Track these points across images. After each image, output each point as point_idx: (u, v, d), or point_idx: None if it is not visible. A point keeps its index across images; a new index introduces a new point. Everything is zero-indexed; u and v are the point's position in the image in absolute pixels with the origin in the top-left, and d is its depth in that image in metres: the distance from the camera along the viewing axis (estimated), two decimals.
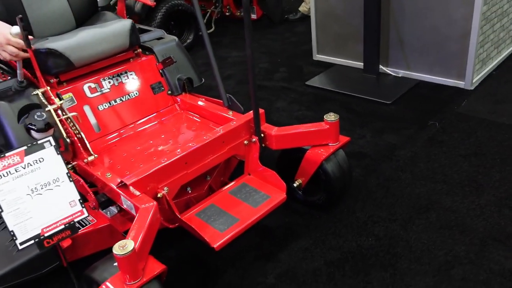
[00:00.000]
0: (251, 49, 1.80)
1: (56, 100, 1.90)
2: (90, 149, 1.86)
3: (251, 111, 2.03)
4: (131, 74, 2.31)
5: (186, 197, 1.99)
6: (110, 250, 1.89)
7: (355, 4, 3.48)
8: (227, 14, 5.34)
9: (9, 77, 2.15)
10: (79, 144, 1.87)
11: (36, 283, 1.82)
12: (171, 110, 2.39)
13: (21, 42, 1.82)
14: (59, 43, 2.03)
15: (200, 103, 2.33)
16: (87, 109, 2.15)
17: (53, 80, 2.09)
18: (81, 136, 1.85)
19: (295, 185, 2.10)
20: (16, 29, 1.81)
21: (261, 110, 2.01)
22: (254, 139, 2.00)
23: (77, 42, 2.07)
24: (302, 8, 5.17)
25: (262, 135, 2.01)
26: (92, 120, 2.16)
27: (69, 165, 1.93)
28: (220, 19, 5.31)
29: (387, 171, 2.41)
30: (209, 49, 2.15)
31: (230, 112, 2.17)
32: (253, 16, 5.31)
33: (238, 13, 5.37)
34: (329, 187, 2.05)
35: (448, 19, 3.05)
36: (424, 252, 1.89)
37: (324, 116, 1.97)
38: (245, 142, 2.01)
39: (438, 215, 2.07)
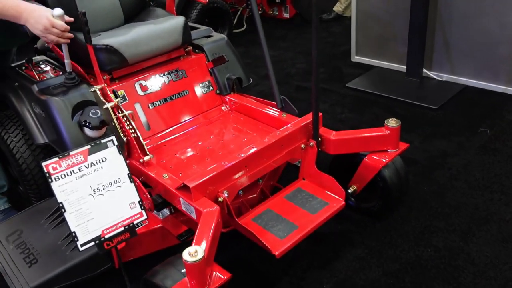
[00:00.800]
0: (317, 50, 1.73)
1: (113, 97, 1.85)
2: (146, 148, 1.82)
3: (308, 114, 1.97)
4: (181, 72, 2.26)
5: (238, 200, 1.94)
6: (160, 252, 1.87)
7: (399, 5, 3.39)
8: (259, 12, 5.27)
9: (61, 73, 2.12)
10: (134, 143, 1.82)
11: (88, 285, 1.79)
12: (220, 109, 2.34)
13: (65, 24, 1.79)
14: (114, 39, 2.00)
15: (249, 103, 2.27)
16: (137, 107, 2.11)
17: (106, 77, 2.05)
18: (137, 135, 1.81)
19: (349, 191, 2.03)
20: (58, 11, 1.77)
21: (319, 114, 1.95)
22: (311, 143, 1.94)
23: (132, 39, 2.03)
24: (337, 8, 5.09)
25: (320, 139, 1.94)
26: (143, 118, 2.12)
27: None
28: (251, 17, 5.25)
29: (440, 179, 2.33)
30: (265, 49, 2.09)
31: (284, 114, 2.11)
32: (286, 15, 5.24)
33: (271, 12, 5.31)
34: (386, 194, 1.98)
35: (500, 21, 2.94)
36: (488, 265, 1.81)
37: (385, 121, 1.89)
38: (302, 146, 1.95)
39: (499, 227, 1.99)
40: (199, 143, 2.10)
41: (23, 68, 2.22)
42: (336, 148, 1.95)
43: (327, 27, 4.91)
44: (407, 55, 3.35)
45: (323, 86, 3.51)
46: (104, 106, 1.78)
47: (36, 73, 2.14)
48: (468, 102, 3.04)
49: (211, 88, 2.34)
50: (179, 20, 2.19)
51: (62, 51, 1.96)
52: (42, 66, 2.23)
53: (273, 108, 2.19)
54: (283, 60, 4.12)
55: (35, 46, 2.62)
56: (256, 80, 3.63)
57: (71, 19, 1.83)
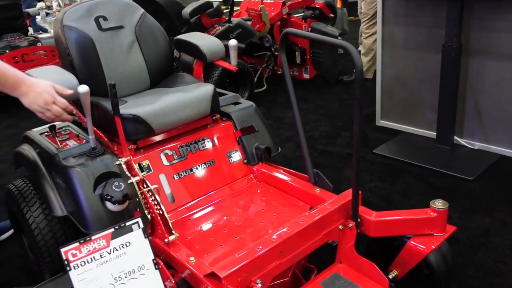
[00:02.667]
0: (359, 127, 1.62)
1: (138, 169, 1.74)
2: (171, 227, 1.68)
3: (346, 192, 1.83)
4: (208, 141, 2.16)
5: (269, 284, 1.76)
6: None
7: (427, 70, 3.33)
8: (279, 72, 5.28)
9: (84, 141, 2.03)
10: (159, 220, 1.69)
11: None
12: (247, 180, 2.21)
13: (66, 102, 1.65)
14: (142, 109, 1.91)
15: (279, 175, 2.14)
16: (162, 178, 2.00)
17: (130, 147, 1.95)
18: (163, 211, 1.68)
19: (390, 276, 1.85)
20: (84, 88, 1.70)
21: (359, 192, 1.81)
22: (350, 225, 1.79)
23: (160, 108, 1.95)
24: None
25: (359, 219, 1.79)
26: (167, 190, 2.00)
27: None
28: (271, 77, 5.25)
29: (486, 262, 2.13)
30: (297, 118, 1.99)
31: (318, 189, 1.97)
32: (306, 76, 5.23)
33: (291, 72, 5.31)
34: (432, 282, 1.79)
35: None
36: None
37: (431, 203, 1.74)
38: (340, 227, 1.80)
39: None
40: (226, 217, 1.96)
41: (45, 133, 2.14)
42: (377, 230, 1.79)
43: (348, 89, 4.87)
44: (437, 122, 3.24)
45: (349, 151, 3.39)
46: (129, 181, 1.67)
47: (59, 140, 2.05)
48: (506, 174, 2.88)
49: (238, 157, 2.23)
50: (208, 88, 2.12)
51: (85, 117, 1.88)
52: (65, 132, 2.15)
53: (305, 182, 2.05)
54: (305, 122, 4.04)
55: None
56: (278, 143, 3.53)
57: (70, 91, 1.70)
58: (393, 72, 3.59)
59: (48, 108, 1.61)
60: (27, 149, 2.11)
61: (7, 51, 4.73)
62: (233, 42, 2.16)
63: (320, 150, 3.47)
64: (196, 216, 1.98)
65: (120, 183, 1.78)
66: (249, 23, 4.67)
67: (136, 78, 2.28)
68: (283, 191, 2.11)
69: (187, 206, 2.02)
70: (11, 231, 2.69)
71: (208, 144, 2.16)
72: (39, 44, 4.98)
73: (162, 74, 2.38)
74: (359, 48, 6.24)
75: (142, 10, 2.34)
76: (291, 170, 2.18)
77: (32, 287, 1.97)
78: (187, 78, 2.31)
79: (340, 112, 4.22)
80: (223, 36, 4.39)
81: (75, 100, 1.85)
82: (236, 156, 2.22)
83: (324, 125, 3.95)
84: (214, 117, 2.22)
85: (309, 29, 4.94)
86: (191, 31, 4.54)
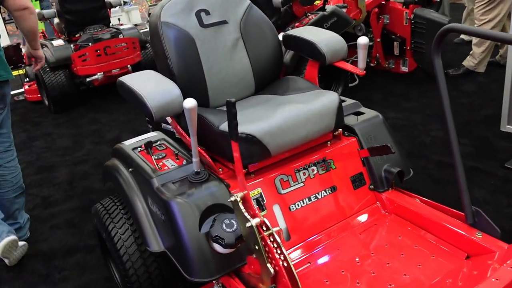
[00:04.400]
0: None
1: (256, 205, 1.39)
2: (299, 283, 1.31)
3: None
4: (329, 163, 1.76)
5: None
6: None
7: None
8: (372, 65, 4.75)
9: (184, 161, 1.71)
10: (283, 272, 1.32)
11: None
12: (374, 211, 1.80)
13: None
14: (257, 127, 1.55)
15: (418, 208, 1.71)
16: (277, 210, 1.63)
17: None
18: (288, 263, 1.30)
19: None
20: (191, 102, 1.36)
21: None
22: None
23: (277, 125, 1.57)
24: (468, 62, 4.42)
25: None
26: (282, 224, 1.63)
27: None
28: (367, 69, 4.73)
29: None
30: (453, 135, 1.54)
31: (479, 234, 1.51)
32: (404, 69, 4.66)
33: (387, 65, 4.76)
34: None
35: None
36: None
37: None
38: None
39: None
40: (355, 261, 1.56)
41: (139, 149, 1.85)
42: None
43: (456, 84, 4.25)
44: None
45: (473, 164, 2.85)
46: (248, 224, 1.31)
47: (155, 159, 1.75)
48: None
49: (363, 182, 1.81)
50: (332, 97, 1.71)
51: (187, 134, 1.56)
52: (160, 148, 1.84)
53: (457, 220, 1.60)
54: (412, 125, 3.52)
55: (147, 119, 2.28)
56: None
57: None
58: None
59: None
60: (118, 167, 1.83)
61: (90, 43, 4.59)
62: (363, 40, 1.73)
63: (435, 161, 2.96)
64: (317, 257, 1.60)
65: (232, 220, 1.43)
66: (344, 10, 4.18)
67: (240, 82, 1.93)
68: (423, 228, 1.67)
69: (305, 243, 1.65)
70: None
71: (329, 166, 1.76)
72: (120, 36, 4.80)
73: (269, 78, 2.01)
74: (462, 37, 5.56)
75: (248, 1, 1.97)
76: (433, 202, 1.73)
77: None
78: (300, 83, 1.91)
79: (452, 112, 3.64)
80: (317, 26, 3.94)
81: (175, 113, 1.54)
82: (361, 181, 1.81)
83: (435, 129, 3.40)
84: (336, 132, 1.81)
85: (411, 16, 4.36)
86: (282, 21, 4.16)
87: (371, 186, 1.82)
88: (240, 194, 1.34)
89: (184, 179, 1.59)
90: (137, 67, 4.97)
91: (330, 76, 4.04)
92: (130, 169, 1.76)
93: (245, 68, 1.93)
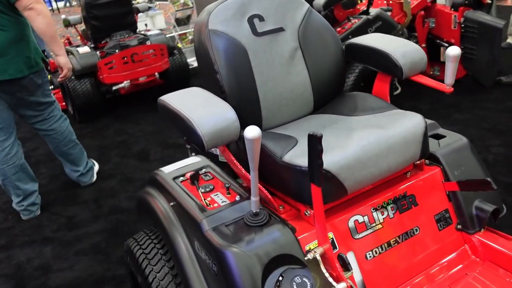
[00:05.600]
0: None
1: (339, 264, 1.09)
2: None
3: None
4: (410, 199, 1.46)
5: None
6: None
7: None
8: None
9: (237, 196, 1.42)
10: None
11: None
12: (463, 256, 1.49)
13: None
14: (330, 159, 1.25)
15: None
16: (351, 258, 1.34)
17: (309, 213, 1.31)
18: None
19: None
20: (254, 132, 1.07)
21: None
22: None
23: (355, 157, 1.28)
24: None
25: None
26: (357, 276, 1.33)
27: None
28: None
29: None
30: None
31: None
32: None
33: (431, 72, 4.41)
34: None
35: None
36: None
37: None
38: None
39: None
40: None
41: (181, 179, 1.58)
42: None
43: (511, 93, 3.89)
44: None
45: None
46: None
47: (202, 192, 1.47)
48: None
49: (449, 221, 1.50)
50: (417, 120, 1.41)
51: (243, 166, 1.29)
52: (206, 178, 1.57)
53: None
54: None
55: (188, 146, 2.01)
56: None
57: None
58: None
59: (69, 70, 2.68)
60: (157, 199, 1.57)
61: (117, 50, 4.38)
62: (454, 51, 1.42)
63: (504, 184, 2.62)
64: None
65: (304, 279, 1.14)
66: (388, 14, 3.87)
67: (297, 99, 1.64)
68: None
69: None
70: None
71: (411, 203, 1.46)
72: (148, 42, 4.58)
73: (330, 94, 1.72)
74: (509, 41, 5.19)
75: (307, 5, 1.68)
76: None
77: None
78: (371, 101, 1.62)
79: (511, 126, 3.29)
80: (361, 31, 3.64)
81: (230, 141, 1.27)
82: (447, 220, 1.50)
83: (496, 145, 3.06)
84: (418, 161, 1.51)
85: (461, 19, 4.01)
86: None
87: (459, 226, 1.51)
88: (319, 250, 1.05)
89: (239, 221, 1.31)
90: (164, 75, 4.74)
91: (369, 83, 3.72)
92: (172, 204, 1.49)
93: (304, 82, 1.64)
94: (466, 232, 1.50)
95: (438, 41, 4.18)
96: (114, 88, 4.49)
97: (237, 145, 1.49)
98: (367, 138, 1.32)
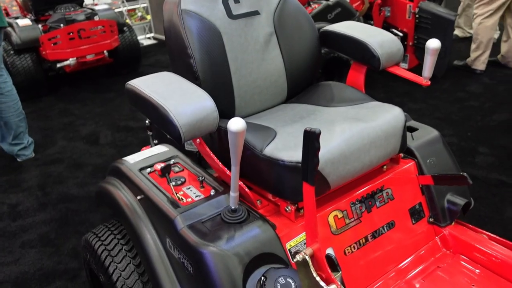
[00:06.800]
0: None
1: (328, 264, 1.05)
2: None
3: None
4: (386, 193, 1.44)
5: None
6: None
7: None
8: None
9: (212, 190, 1.34)
10: None
11: None
12: (434, 249, 1.50)
13: None
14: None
15: (488, 247, 1.42)
16: (330, 253, 1.30)
17: (290, 209, 1.25)
18: None
19: None
20: (239, 124, 1.00)
21: None
22: None
23: (340, 151, 1.23)
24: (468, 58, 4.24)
25: None
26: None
27: None
28: None
29: None
30: None
31: None
32: (404, 66, 4.39)
33: None
34: None
35: None
36: None
37: None
38: None
39: None
40: None
41: (148, 170, 1.47)
42: None
43: (462, 85, 4.03)
44: None
45: (500, 177, 2.61)
46: None
47: (172, 186, 1.37)
48: None
49: (422, 214, 1.51)
50: (396, 113, 1.39)
51: (220, 160, 1.21)
52: (177, 170, 1.47)
53: None
54: None
55: (148, 123, 1.89)
56: None
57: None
58: None
59: None
60: (121, 191, 1.45)
61: (62, 25, 4.07)
62: (434, 44, 1.40)
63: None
64: None
65: (288, 279, 1.09)
66: (348, 0, 3.86)
67: (270, 87, 1.57)
68: (499, 274, 1.39)
69: None
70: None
71: (387, 197, 1.44)
72: (96, 18, 4.30)
73: (304, 82, 1.66)
74: (456, 32, 5.38)
75: None
76: (503, 239, 1.45)
77: None
78: (348, 92, 1.57)
79: (463, 116, 3.41)
80: (320, 17, 3.62)
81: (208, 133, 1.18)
82: (420, 213, 1.50)
83: (449, 135, 3.15)
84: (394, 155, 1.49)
85: (416, 9, 4.09)
86: None
87: (431, 219, 1.52)
88: (309, 251, 1.00)
89: (216, 217, 1.23)
90: (113, 53, 4.49)
91: (331, 73, 3.72)
92: (139, 197, 1.38)
93: (278, 69, 1.57)
94: (437, 225, 1.51)
95: (393, 29, 4.24)
96: (58, 65, 4.18)
97: (211, 136, 1.40)
98: (349, 131, 1.28)
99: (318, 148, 0.88)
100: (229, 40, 1.46)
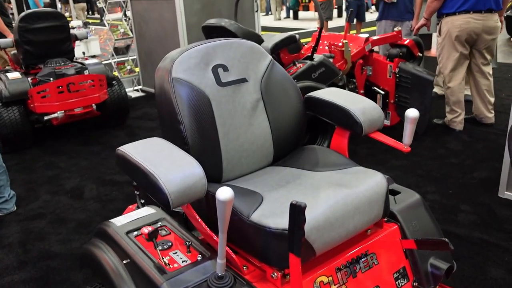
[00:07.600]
0: None
1: None
2: None
3: None
4: (371, 257, 1.46)
5: None
6: None
7: None
8: None
9: (199, 256, 1.35)
10: None
11: None
12: None
13: None
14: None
15: None
16: None
17: (276, 275, 1.26)
18: None
19: None
20: (227, 193, 1.03)
21: None
22: None
23: (325, 218, 1.26)
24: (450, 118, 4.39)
25: None
26: None
27: None
28: None
29: None
30: None
31: None
32: (386, 123, 4.53)
33: None
34: None
35: None
36: None
37: None
38: None
39: None
40: None
41: (135, 233, 1.47)
42: None
43: (442, 142, 4.14)
44: None
45: (481, 236, 2.66)
46: None
47: (159, 250, 1.37)
48: None
49: (407, 278, 1.52)
50: (379, 179, 1.44)
51: (207, 225, 1.22)
52: (163, 233, 1.47)
53: None
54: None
55: (135, 184, 1.90)
56: None
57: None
58: None
59: None
60: (106, 254, 1.44)
61: (51, 79, 4.14)
62: (413, 113, 1.48)
63: (443, 232, 2.73)
64: None
65: None
66: (331, 60, 4.02)
67: (257, 151, 1.62)
68: None
69: None
70: None
71: (371, 261, 1.46)
72: (86, 72, 4.38)
73: (290, 146, 1.71)
74: (435, 90, 5.59)
75: (270, 57, 1.69)
76: None
77: None
78: (331, 156, 1.63)
79: (444, 173, 3.49)
80: (305, 75, 3.75)
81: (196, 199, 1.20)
82: (404, 277, 1.52)
83: (431, 192, 3.22)
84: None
85: (396, 69, 4.27)
86: None
87: (415, 284, 1.53)
88: None
89: (202, 284, 1.23)
90: (102, 106, 4.54)
91: (315, 129, 3.81)
92: (125, 261, 1.38)
93: (265, 134, 1.62)
94: None
95: (374, 88, 4.40)
96: (46, 118, 4.21)
97: (198, 200, 1.42)
98: (334, 198, 1.32)
99: (304, 221, 0.91)
100: (218, 107, 1.51)
